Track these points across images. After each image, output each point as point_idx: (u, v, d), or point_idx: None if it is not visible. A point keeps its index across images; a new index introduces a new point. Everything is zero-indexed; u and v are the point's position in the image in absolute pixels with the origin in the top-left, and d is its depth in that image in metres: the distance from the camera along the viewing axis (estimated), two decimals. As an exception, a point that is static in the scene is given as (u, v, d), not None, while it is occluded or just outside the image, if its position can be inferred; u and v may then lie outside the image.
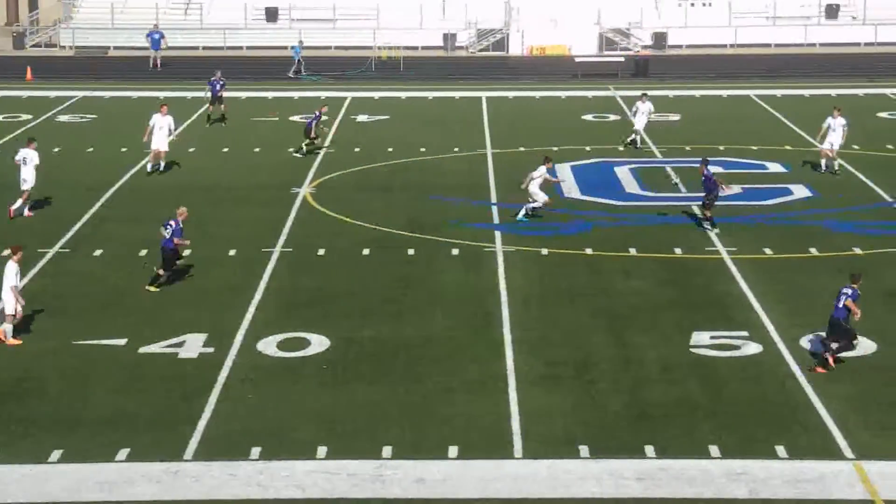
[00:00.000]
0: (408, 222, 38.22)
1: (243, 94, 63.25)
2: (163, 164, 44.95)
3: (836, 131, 44.44)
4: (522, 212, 38.10)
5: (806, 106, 59.30)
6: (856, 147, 48.90)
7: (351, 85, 67.42)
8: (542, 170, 38.33)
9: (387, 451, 22.94)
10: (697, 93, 64.02)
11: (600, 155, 48.38)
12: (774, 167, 45.65)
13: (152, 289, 31.84)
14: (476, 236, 36.50)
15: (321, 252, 35.27)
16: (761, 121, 55.84)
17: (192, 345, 28.19)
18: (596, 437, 23.40)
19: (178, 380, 26.29)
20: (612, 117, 57.00)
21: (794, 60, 75.17)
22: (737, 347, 27.83)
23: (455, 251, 35.15)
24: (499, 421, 24.17)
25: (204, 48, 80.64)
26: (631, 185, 43.20)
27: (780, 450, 22.81)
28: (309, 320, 29.68)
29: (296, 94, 63.01)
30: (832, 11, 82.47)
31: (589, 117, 56.99)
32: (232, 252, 35.30)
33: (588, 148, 49.66)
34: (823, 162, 44.68)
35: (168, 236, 31.98)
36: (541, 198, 38.19)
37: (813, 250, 35.04)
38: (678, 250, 35.16)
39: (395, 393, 25.54)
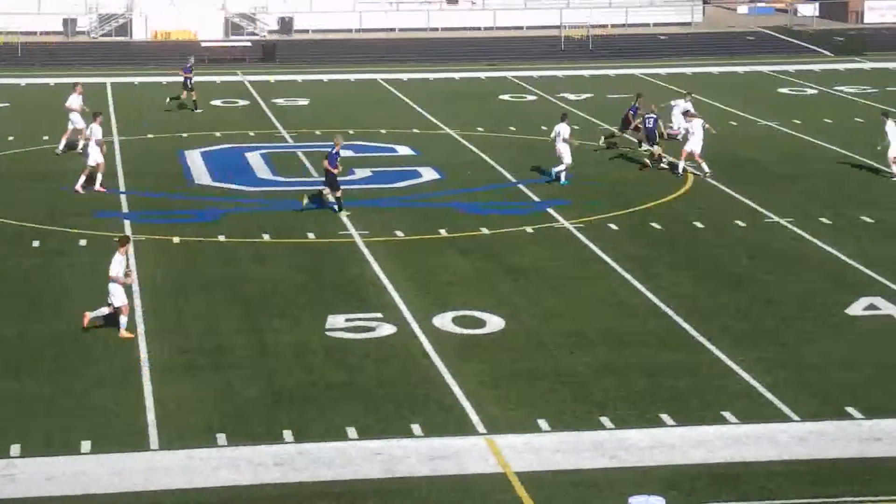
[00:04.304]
0: (33, 213, 37.04)
1: None
2: None
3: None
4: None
5: (432, 89, 60.51)
6: (480, 129, 50.19)
7: (-33, 71, 64.94)
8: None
9: (15, 449, 22.14)
10: (326, 77, 64.46)
11: (230, 140, 48.10)
12: (403, 150, 46.38)
13: (345, 213, 36.63)
14: (105, 226, 35.68)
15: (-60, 246, 33.82)
16: (389, 104, 56.67)
17: None
18: (233, 425, 23.22)
19: None
20: (242, 102, 56.78)
21: (418, 44, 76.57)
22: (371, 329, 28.13)
23: (83, 242, 34.28)
24: (133, 412, 23.69)
25: None
26: (262, 171, 43.09)
27: (416, 428, 23.16)
28: (-71, 317, 28.39)
29: None
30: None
31: (218, 102, 56.57)
32: None
33: (218, 133, 49.30)
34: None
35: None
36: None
37: (442, 231, 35.76)
38: (311, 235, 35.29)
39: (24, 388, 24.69)
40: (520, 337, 27.79)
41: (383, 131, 49.93)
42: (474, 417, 23.66)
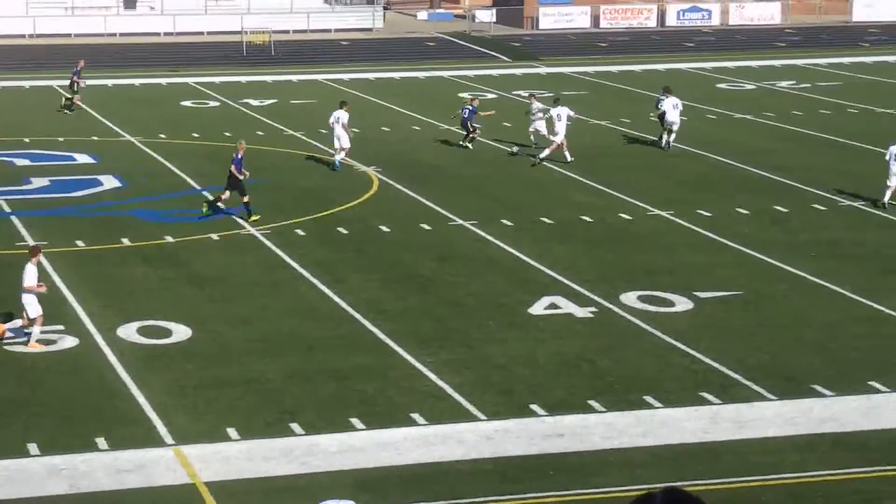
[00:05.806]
0: None
1: None
2: None
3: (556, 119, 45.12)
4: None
5: (111, 95, 59.38)
6: (162, 136, 49.45)
7: None
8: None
9: None
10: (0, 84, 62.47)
11: None
12: (83, 158, 45.28)
13: (221, 204, 36.77)
14: None
15: None
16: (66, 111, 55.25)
17: None
18: None
19: None
20: None
21: (95, 50, 74.96)
22: (53, 342, 27.35)
23: None
24: None
25: None
26: (-67, 181, 41.46)
27: (101, 442, 22.63)
28: None
29: None
30: (131, 2, 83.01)
31: None
32: None
33: None
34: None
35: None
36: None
37: (125, 240, 35.04)
38: (-14, 246, 34.15)
39: None
40: (207, 345, 27.46)
41: (61, 139, 48.66)
42: (162, 429, 23.26)
